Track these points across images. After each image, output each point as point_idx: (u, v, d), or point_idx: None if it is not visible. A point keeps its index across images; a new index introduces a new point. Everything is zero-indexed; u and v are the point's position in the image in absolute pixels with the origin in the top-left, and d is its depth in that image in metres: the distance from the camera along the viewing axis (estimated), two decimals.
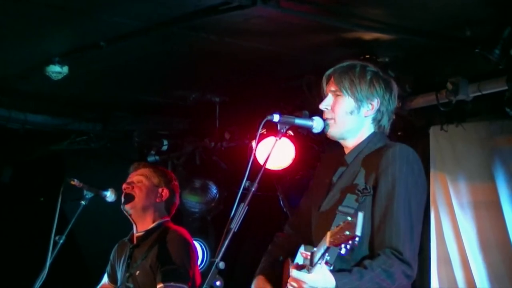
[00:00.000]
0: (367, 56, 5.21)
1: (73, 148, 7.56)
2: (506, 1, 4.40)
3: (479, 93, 5.31)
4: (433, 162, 5.79)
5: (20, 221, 8.02)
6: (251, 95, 6.37)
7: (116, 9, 4.70)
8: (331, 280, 3.30)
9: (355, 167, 3.67)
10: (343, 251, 3.14)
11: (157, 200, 5.20)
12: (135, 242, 5.15)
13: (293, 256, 3.80)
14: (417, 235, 3.54)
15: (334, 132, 3.73)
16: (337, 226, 3.19)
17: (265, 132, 5.80)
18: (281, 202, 6.75)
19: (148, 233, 5.12)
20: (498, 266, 5.45)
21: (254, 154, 3.68)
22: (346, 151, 3.78)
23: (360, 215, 3.09)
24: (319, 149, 6.34)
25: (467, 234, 5.59)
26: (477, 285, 5.49)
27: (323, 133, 3.77)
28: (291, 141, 6.24)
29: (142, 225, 5.16)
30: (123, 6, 4.65)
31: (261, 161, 3.65)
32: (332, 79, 3.76)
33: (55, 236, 4.75)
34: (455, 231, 5.66)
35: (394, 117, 3.83)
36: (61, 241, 4.75)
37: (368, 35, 5.04)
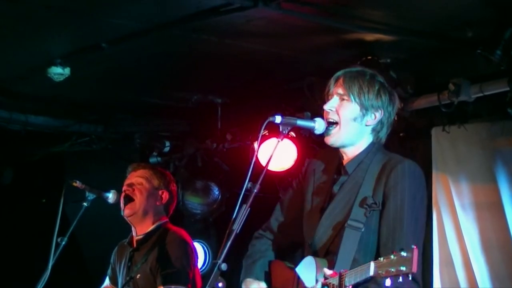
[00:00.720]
0: (369, 58, 5.21)
1: (74, 149, 7.55)
2: (508, 2, 4.40)
3: (481, 94, 5.31)
4: (435, 163, 5.78)
5: (22, 223, 8.01)
6: (253, 96, 6.37)
7: (117, 11, 4.70)
8: None
9: (357, 178, 3.69)
10: (388, 283, 3.13)
11: (157, 203, 5.17)
12: (135, 245, 5.13)
13: (283, 258, 3.82)
14: (421, 248, 3.56)
15: (335, 138, 3.72)
16: (385, 258, 3.16)
17: (267, 134, 5.78)
18: None
19: (148, 235, 5.10)
20: (500, 267, 5.45)
21: (256, 155, 3.68)
22: (345, 159, 3.78)
23: (416, 252, 3.08)
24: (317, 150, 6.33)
25: (469, 234, 5.59)
26: (479, 285, 5.49)
27: (324, 134, 3.76)
28: (293, 142, 6.23)
29: (141, 228, 5.14)
30: (124, 8, 4.65)
31: (263, 163, 3.64)
32: (341, 81, 3.75)
33: (57, 237, 4.74)
34: (457, 232, 5.66)
35: (396, 119, 3.85)
36: (63, 242, 4.74)
37: (370, 36, 5.03)
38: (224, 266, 3.35)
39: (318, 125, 3.72)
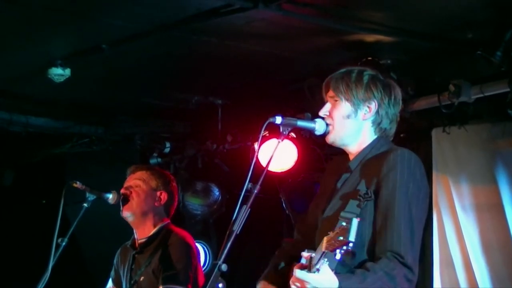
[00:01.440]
0: (369, 59, 5.21)
1: (74, 151, 7.56)
2: (508, 4, 4.40)
3: (481, 95, 5.31)
4: (435, 164, 5.78)
5: (22, 224, 8.02)
6: (253, 97, 6.37)
7: (118, 12, 4.71)
8: (334, 281, 3.30)
9: (359, 173, 3.65)
10: (337, 256, 3.14)
11: (156, 204, 5.15)
12: (137, 248, 5.13)
13: (299, 261, 3.81)
14: (418, 240, 3.53)
15: (333, 138, 3.73)
16: (332, 232, 3.19)
17: (267, 134, 5.78)
18: (283, 204, 6.75)
19: (151, 239, 5.09)
20: (500, 268, 5.45)
21: (256, 156, 3.67)
22: (350, 157, 3.77)
23: (354, 221, 3.10)
24: (321, 151, 6.34)
25: (469, 236, 5.59)
26: (480, 286, 5.49)
27: (325, 135, 3.77)
28: (294, 143, 6.23)
29: (143, 230, 5.14)
30: (125, 9, 4.66)
31: (264, 163, 3.63)
32: (329, 85, 3.76)
33: (57, 238, 4.74)
34: (458, 233, 5.66)
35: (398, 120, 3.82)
36: (63, 243, 4.74)
37: (370, 38, 5.04)
38: (224, 267, 3.35)
39: (319, 126, 3.71)
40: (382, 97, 3.71)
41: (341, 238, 3.10)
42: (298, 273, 3.33)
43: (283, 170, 6.30)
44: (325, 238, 3.22)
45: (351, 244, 3.09)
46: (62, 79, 5.54)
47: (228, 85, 6.31)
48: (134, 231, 5.17)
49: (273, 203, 6.76)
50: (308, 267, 3.32)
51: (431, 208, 5.64)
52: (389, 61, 5.37)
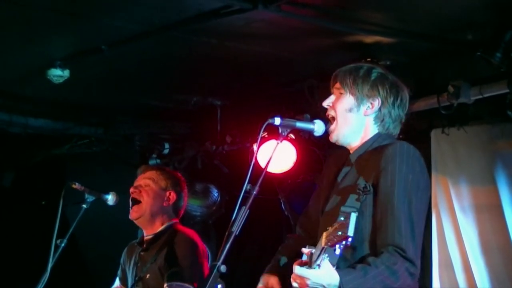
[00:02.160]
0: (368, 60, 5.21)
1: (74, 152, 7.56)
2: (508, 5, 4.40)
3: (480, 96, 5.30)
4: (435, 166, 5.78)
5: (22, 225, 8.02)
6: (253, 98, 6.37)
7: (117, 13, 4.70)
8: (335, 276, 3.29)
9: (359, 167, 3.66)
10: (337, 251, 3.14)
11: (165, 204, 5.19)
12: (144, 245, 5.15)
13: (301, 257, 3.81)
14: (419, 233, 3.52)
15: (336, 135, 3.73)
16: (331, 227, 3.19)
17: (266, 136, 5.79)
18: (283, 206, 6.74)
19: (157, 236, 5.12)
20: (499, 269, 5.44)
21: (256, 157, 3.68)
22: (351, 151, 3.78)
23: (353, 215, 3.10)
24: (320, 153, 6.33)
25: (468, 237, 5.58)
26: (479, 287, 5.48)
27: (324, 136, 3.77)
28: (293, 144, 6.23)
29: (151, 229, 5.17)
30: (124, 10, 4.66)
31: (263, 165, 3.64)
32: (337, 77, 3.79)
33: (56, 239, 4.75)
34: (457, 234, 5.66)
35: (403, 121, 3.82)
36: (63, 244, 4.75)
37: (369, 39, 5.04)
38: (223, 268, 3.35)
39: (318, 127, 3.72)
40: (387, 96, 3.72)
41: (340, 233, 3.11)
42: (297, 269, 3.34)
43: (282, 171, 6.30)
44: (324, 234, 3.22)
45: (350, 239, 3.09)
46: (61, 80, 5.54)
47: (227, 86, 6.31)
48: (143, 230, 5.21)
49: (272, 204, 6.75)
50: (309, 263, 3.33)
51: (430, 209, 5.63)
52: (388, 62, 5.36)
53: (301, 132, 5.53)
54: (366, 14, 4.66)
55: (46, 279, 4.70)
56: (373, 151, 3.66)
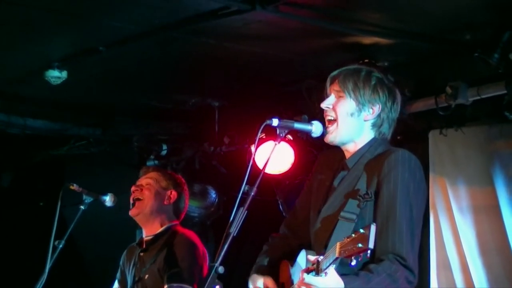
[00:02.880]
0: (366, 61, 5.21)
1: (72, 153, 7.56)
2: (506, 5, 4.40)
3: (478, 97, 5.31)
4: (433, 166, 5.78)
5: (20, 226, 8.02)
6: (251, 99, 6.37)
7: (115, 14, 4.70)
8: (340, 283, 3.31)
9: (357, 171, 3.67)
10: (353, 262, 3.14)
11: (165, 203, 5.21)
12: (144, 246, 5.16)
13: (291, 258, 3.81)
14: (417, 241, 3.56)
15: (333, 137, 3.73)
16: (347, 237, 3.17)
17: (264, 137, 5.79)
18: (280, 207, 6.74)
19: (157, 237, 5.13)
20: (497, 270, 5.45)
21: (253, 158, 3.69)
22: (347, 155, 3.78)
23: (373, 228, 3.09)
24: (318, 154, 6.33)
25: (466, 238, 5.59)
26: None
27: (322, 137, 3.77)
28: (290, 145, 6.23)
29: (150, 229, 5.18)
30: (122, 11, 4.66)
31: (260, 166, 3.65)
32: (336, 80, 3.78)
33: (54, 240, 4.75)
34: (455, 235, 5.66)
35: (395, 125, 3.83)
36: (61, 245, 4.76)
37: (368, 39, 5.04)
38: (221, 269, 3.36)
39: (315, 128, 3.72)
40: (386, 101, 3.74)
41: (361, 245, 3.08)
42: (306, 277, 3.33)
43: (280, 172, 6.30)
44: (338, 244, 3.20)
45: (369, 252, 3.10)
46: (58, 81, 5.54)
47: (225, 86, 6.31)
48: (143, 230, 5.21)
49: (270, 205, 6.75)
50: (316, 271, 3.33)
51: (428, 210, 5.64)
52: (386, 63, 5.37)
53: (299, 133, 5.54)
54: (364, 14, 4.67)
55: (44, 280, 4.70)
56: (373, 158, 3.67)
